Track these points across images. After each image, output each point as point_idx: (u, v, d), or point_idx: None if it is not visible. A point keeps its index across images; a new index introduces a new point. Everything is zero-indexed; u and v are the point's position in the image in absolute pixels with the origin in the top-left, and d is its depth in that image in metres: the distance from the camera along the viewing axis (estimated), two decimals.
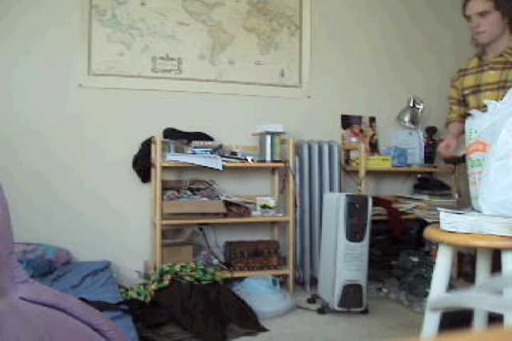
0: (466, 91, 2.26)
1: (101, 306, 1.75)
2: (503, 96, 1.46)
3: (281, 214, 2.87)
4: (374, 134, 3.30)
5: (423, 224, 2.85)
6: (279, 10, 3.14)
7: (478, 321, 1.56)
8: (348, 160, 3.17)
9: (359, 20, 3.35)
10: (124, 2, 2.86)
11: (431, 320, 1.33)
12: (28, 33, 2.71)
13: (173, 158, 2.64)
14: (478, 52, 2.27)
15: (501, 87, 2.05)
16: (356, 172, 3.03)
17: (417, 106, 3.36)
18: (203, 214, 2.64)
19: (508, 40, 2.13)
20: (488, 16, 2.06)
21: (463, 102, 2.31)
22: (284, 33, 3.15)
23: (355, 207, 2.40)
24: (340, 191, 2.93)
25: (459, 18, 3.70)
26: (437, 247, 1.37)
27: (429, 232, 1.36)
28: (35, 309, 1.00)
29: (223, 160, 2.70)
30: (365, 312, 2.43)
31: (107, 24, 2.83)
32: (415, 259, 2.66)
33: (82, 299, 1.65)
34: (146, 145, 2.80)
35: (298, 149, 2.92)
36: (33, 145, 2.72)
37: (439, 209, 1.36)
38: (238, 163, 2.76)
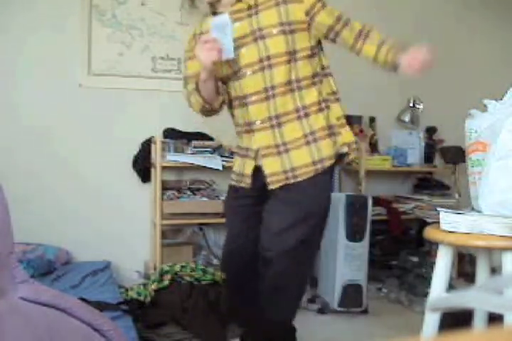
0: None
1: (101, 306, 1.75)
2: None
3: None
4: (374, 134, 3.30)
5: (423, 224, 2.85)
6: None
7: (478, 321, 1.56)
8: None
9: (359, 20, 3.34)
10: (124, 2, 2.85)
11: (431, 320, 1.33)
12: (27, 33, 2.71)
13: (173, 158, 2.64)
14: (208, 11, 1.76)
15: (258, 38, 1.60)
16: (356, 172, 3.03)
17: (417, 106, 3.36)
18: (203, 214, 2.64)
19: None
20: None
21: None
22: None
23: (355, 207, 2.40)
24: (340, 191, 2.93)
25: (458, 17, 3.71)
26: (437, 247, 1.37)
27: (429, 232, 1.36)
28: (35, 309, 1.00)
29: (223, 160, 2.70)
30: (365, 312, 2.43)
31: (107, 24, 2.83)
32: (415, 259, 2.66)
33: (82, 299, 1.65)
34: (146, 145, 2.80)
35: None
36: (33, 145, 2.71)
37: (439, 209, 1.36)
38: None
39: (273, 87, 1.59)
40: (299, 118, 1.62)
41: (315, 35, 1.66)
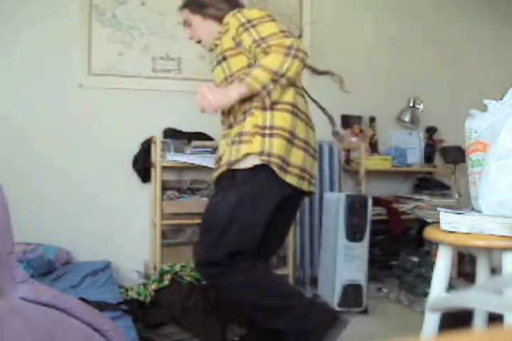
0: None
1: (101, 306, 1.75)
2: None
3: None
4: (374, 134, 3.30)
5: (423, 224, 2.85)
6: (279, 10, 3.13)
7: (478, 321, 1.56)
8: (348, 160, 3.17)
9: (359, 20, 3.35)
10: (124, 2, 2.86)
11: (431, 320, 1.33)
12: (26, 33, 2.71)
13: (173, 158, 2.64)
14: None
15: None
16: (356, 172, 3.03)
17: (417, 106, 3.36)
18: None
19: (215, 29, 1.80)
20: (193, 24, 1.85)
21: None
22: None
23: (355, 207, 2.40)
24: (340, 191, 2.93)
25: (459, 16, 3.71)
26: (437, 247, 1.37)
27: (429, 232, 1.36)
28: (35, 309, 1.00)
29: None
30: (365, 312, 2.43)
31: (107, 24, 2.83)
32: (415, 259, 2.66)
33: (82, 299, 1.65)
34: (146, 145, 2.80)
35: None
36: (32, 145, 2.71)
37: (439, 209, 1.36)
38: None
39: None
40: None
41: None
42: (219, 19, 1.77)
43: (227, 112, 1.76)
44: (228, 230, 1.56)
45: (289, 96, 1.64)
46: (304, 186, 1.66)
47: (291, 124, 1.61)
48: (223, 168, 1.61)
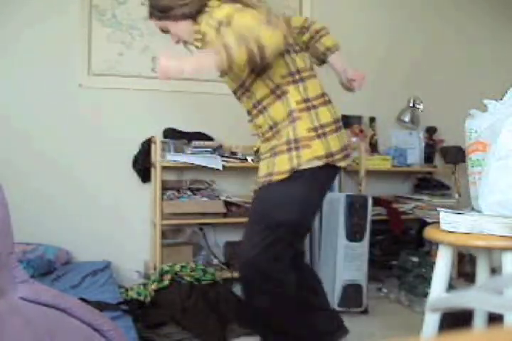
0: None
1: (101, 306, 1.75)
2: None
3: None
4: (374, 134, 3.30)
5: (423, 224, 2.85)
6: (279, 10, 3.14)
7: (478, 321, 1.56)
8: None
9: (359, 20, 3.35)
10: (124, 2, 2.85)
11: (431, 320, 1.33)
12: (26, 33, 2.71)
13: (173, 158, 2.64)
14: None
15: None
16: (356, 172, 3.03)
17: (417, 106, 3.36)
18: (203, 214, 2.64)
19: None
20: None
21: None
22: None
23: (355, 207, 2.40)
24: (340, 191, 2.93)
25: (459, 16, 3.70)
26: (437, 247, 1.37)
27: (429, 232, 1.36)
28: (35, 309, 1.00)
29: (223, 160, 2.70)
30: (365, 312, 2.43)
31: (107, 24, 2.83)
32: (415, 259, 2.66)
33: (82, 299, 1.65)
34: (146, 145, 2.80)
35: None
36: (32, 145, 2.71)
37: (439, 209, 1.36)
38: (238, 163, 2.76)
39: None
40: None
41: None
42: (190, 16, 1.71)
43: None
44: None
45: (316, 88, 1.67)
46: (347, 162, 1.72)
47: (331, 115, 1.66)
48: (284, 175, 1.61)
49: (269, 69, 1.61)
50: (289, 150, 1.60)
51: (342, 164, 1.67)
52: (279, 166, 1.61)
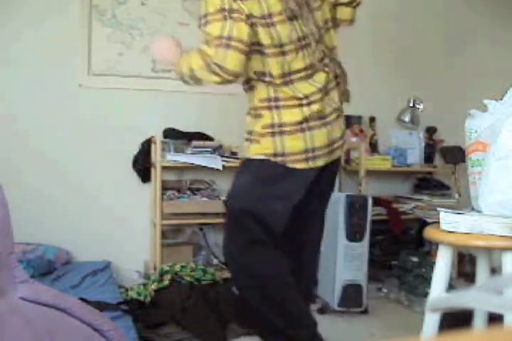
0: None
1: (101, 306, 1.75)
2: None
3: None
4: (374, 134, 3.30)
5: (423, 224, 2.85)
6: None
7: (478, 321, 1.56)
8: (348, 160, 3.17)
9: (359, 20, 3.34)
10: (124, 2, 2.85)
11: (431, 320, 1.33)
12: (26, 33, 2.71)
13: (173, 158, 2.64)
14: None
15: None
16: (356, 172, 3.03)
17: (417, 106, 3.36)
18: (203, 214, 2.64)
19: None
20: None
21: None
22: None
23: (355, 207, 2.40)
24: (340, 191, 2.93)
25: (459, 16, 3.70)
26: (437, 247, 1.37)
27: (429, 232, 1.36)
28: (35, 309, 1.00)
29: (223, 160, 2.70)
30: (365, 312, 2.43)
31: (107, 24, 2.83)
32: (415, 259, 2.66)
33: (82, 299, 1.65)
34: (146, 145, 2.80)
35: None
36: (33, 145, 2.71)
37: (439, 209, 1.36)
38: (238, 163, 2.76)
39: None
40: None
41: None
42: None
43: None
44: None
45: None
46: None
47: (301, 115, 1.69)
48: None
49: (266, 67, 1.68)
50: (247, 139, 1.70)
51: (298, 166, 1.64)
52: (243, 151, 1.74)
